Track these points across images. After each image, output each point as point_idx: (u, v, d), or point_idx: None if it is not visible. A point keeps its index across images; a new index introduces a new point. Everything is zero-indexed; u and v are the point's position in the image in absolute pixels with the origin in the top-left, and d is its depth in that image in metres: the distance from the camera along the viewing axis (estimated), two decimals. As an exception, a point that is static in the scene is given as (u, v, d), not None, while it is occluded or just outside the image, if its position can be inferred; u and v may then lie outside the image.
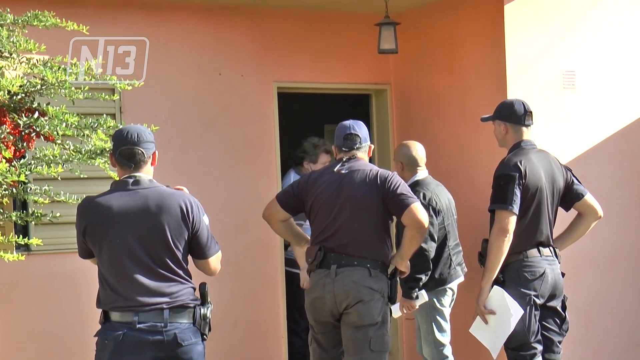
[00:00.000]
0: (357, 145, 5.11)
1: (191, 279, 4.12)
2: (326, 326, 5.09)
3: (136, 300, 3.96)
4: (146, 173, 4.09)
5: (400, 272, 5.09)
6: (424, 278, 5.65)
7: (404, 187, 4.97)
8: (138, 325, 3.95)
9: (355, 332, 4.97)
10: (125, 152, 4.07)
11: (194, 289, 4.12)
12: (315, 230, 5.09)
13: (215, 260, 4.19)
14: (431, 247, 5.65)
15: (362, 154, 5.12)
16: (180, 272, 4.05)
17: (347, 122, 5.17)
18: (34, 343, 5.99)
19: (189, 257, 4.16)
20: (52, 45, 4.96)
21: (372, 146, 5.23)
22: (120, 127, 4.21)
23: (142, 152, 4.05)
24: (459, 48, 6.56)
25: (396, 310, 5.72)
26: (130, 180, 4.05)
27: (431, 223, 5.57)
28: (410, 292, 5.66)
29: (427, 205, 5.66)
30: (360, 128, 5.15)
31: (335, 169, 5.07)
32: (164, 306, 3.98)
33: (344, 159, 5.09)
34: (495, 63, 6.19)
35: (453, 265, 5.90)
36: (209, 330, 4.13)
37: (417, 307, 5.72)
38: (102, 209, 4.04)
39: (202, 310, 4.09)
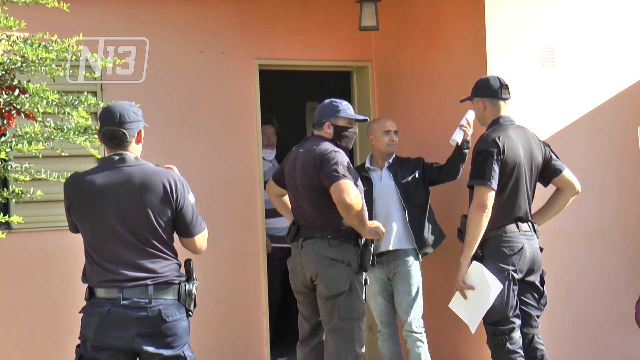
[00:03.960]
0: (313, 122, 5.42)
1: (176, 255, 4.15)
2: (304, 295, 5.38)
3: (121, 275, 4.00)
4: (132, 151, 4.11)
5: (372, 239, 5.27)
6: None
7: (333, 165, 5.11)
8: (122, 302, 3.99)
9: (325, 303, 5.23)
10: (108, 132, 4.10)
11: (179, 266, 4.15)
12: (290, 206, 5.49)
13: (201, 239, 4.23)
14: None
15: (319, 132, 5.38)
16: (165, 248, 4.09)
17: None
18: (14, 321, 5.99)
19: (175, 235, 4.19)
20: (32, 22, 4.94)
21: (328, 123, 5.35)
22: (107, 105, 4.20)
23: (124, 133, 4.07)
24: (439, 25, 6.57)
25: None
26: (116, 158, 4.08)
27: None
28: None
29: None
30: (319, 107, 5.42)
31: (298, 148, 5.39)
32: (149, 282, 4.02)
33: (305, 137, 5.43)
34: (475, 40, 6.21)
35: None
36: (194, 306, 4.17)
37: None
38: (86, 186, 4.07)
39: (187, 286, 4.13)
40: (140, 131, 4.15)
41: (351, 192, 5.02)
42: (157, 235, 4.06)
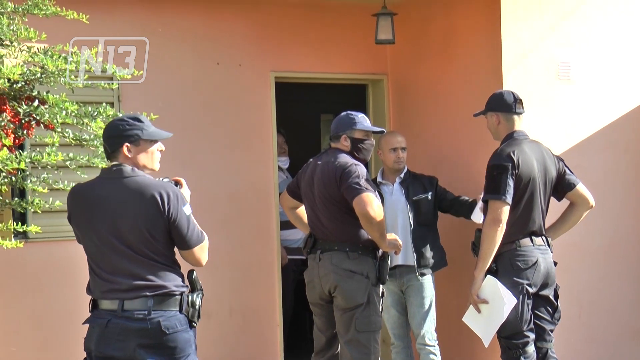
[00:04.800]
0: (330, 135, 5.43)
1: (178, 267, 4.12)
2: (320, 307, 5.39)
3: (120, 287, 3.98)
4: (129, 163, 4.10)
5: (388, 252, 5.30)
6: None
7: (355, 178, 5.11)
8: (122, 313, 3.97)
9: (342, 315, 5.23)
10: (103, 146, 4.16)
11: (182, 277, 4.12)
12: (307, 218, 5.48)
13: (199, 251, 4.13)
14: None
15: (336, 144, 5.39)
16: (162, 260, 4.03)
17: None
18: (31, 330, 6.03)
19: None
20: (52, 33, 5.00)
21: (345, 135, 5.35)
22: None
23: (105, 148, 4.10)
24: (455, 38, 6.60)
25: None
26: (113, 169, 4.08)
27: None
28: None
29: None
30: (336, 119, 5.43)
31: (315, 160, 5.38)
32: (148, 294, 3.98)
33: (323, 150, 5.43)
34: (491, 54, 6.23)
35: None
36: (199, 317, 4.11)
37: None
38: (84, 197, 4.08)
39: (190, 297, 4.08)
40: (123, 146, 4.04)
41: (374, 205, 5.04)
42: (151, 246, 4.01)
